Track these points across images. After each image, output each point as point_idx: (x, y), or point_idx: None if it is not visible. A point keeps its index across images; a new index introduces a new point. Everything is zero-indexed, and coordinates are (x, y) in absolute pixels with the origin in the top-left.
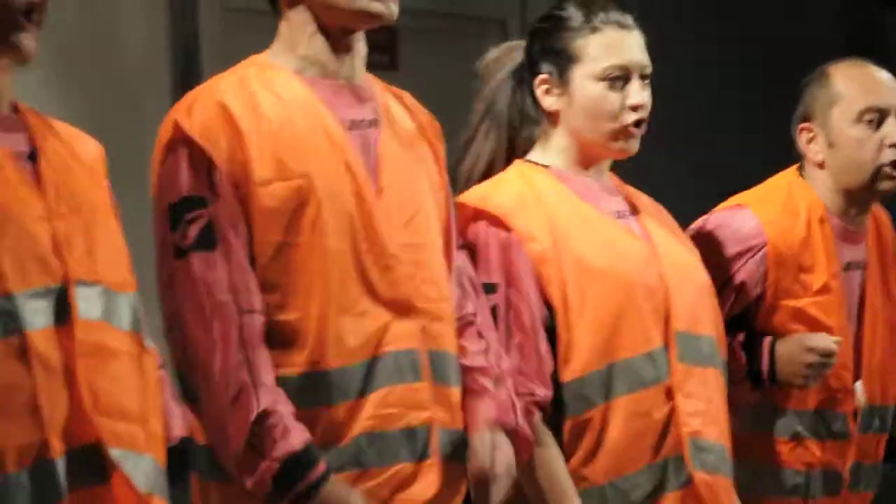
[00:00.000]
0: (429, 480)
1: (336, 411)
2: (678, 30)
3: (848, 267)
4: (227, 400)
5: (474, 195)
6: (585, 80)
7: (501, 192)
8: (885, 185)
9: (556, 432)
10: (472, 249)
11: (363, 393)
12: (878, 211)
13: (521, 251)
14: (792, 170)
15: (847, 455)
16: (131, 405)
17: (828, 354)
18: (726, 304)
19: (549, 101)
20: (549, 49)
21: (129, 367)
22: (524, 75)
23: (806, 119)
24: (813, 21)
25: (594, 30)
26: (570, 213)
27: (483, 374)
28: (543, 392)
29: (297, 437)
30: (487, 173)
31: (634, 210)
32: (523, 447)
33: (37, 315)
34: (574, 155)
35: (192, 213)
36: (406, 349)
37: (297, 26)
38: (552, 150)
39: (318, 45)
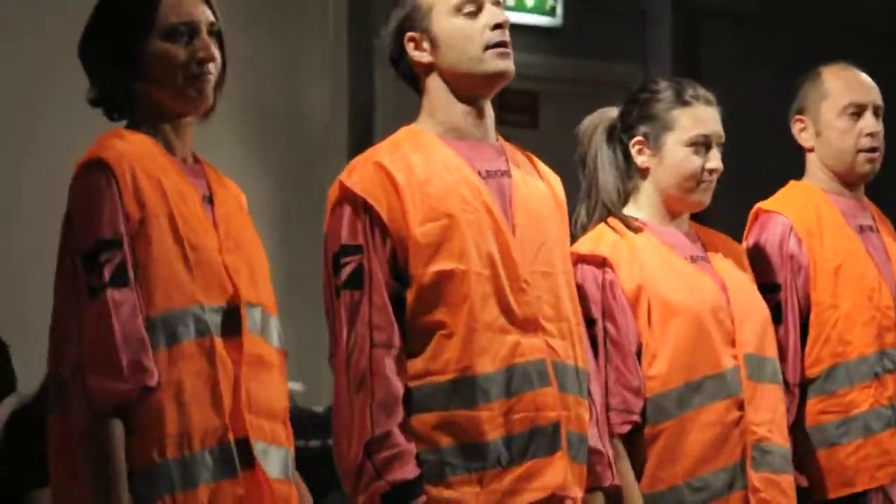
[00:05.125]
0: (558, 469)
1: (479, 413)
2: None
3: (861, 230)
4: (348, 419)
5: (578, 245)
6: (676, 146)
7: (600, 243)
8: (865, 167)
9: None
10: (578, 289)
11: (502, 397)
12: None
13: (616, 290)
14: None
15: None
16: (278, 407)
17: None
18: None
19: (641, 160)
20: (646, 116)
21: (278, 377)
22: (619, 135)
23: (800, 112)
24: None
25: (685, 104)
26: (656, 258)
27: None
28: (639, 405)
29: (411, 469)
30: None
31: (709, 252)
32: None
33: (216, 326)
34: (660, 207)
35: (348, 258)
36: (536, 359)
37: (434, 94)
38: (643, 204)
39: (454, 113)
